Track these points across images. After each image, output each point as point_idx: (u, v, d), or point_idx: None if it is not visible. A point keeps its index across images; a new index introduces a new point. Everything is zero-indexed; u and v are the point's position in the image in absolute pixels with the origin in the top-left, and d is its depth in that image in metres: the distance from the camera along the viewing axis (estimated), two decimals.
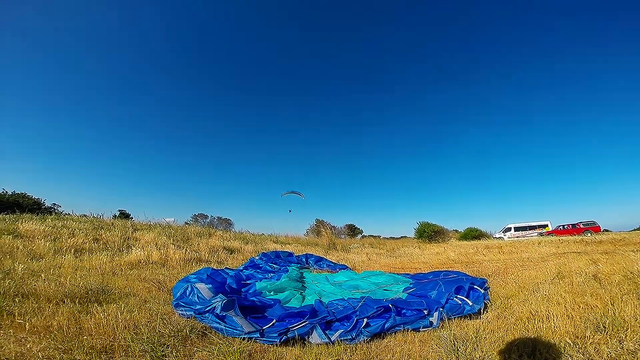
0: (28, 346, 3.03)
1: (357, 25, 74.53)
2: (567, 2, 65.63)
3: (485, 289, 6.42)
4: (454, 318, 5.02)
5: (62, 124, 69.19)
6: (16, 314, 3.70)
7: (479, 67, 75.40)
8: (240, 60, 77.24)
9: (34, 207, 23.25)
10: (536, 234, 33.91)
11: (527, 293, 6.04)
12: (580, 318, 4.31)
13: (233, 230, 27.98)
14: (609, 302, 4.65)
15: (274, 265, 9.92)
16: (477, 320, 4.93)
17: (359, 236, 43.34)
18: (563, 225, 32.98)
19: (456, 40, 75.25)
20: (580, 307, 4.74)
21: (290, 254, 12.67)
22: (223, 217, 44.60)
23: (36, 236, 10.48)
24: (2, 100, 61.14)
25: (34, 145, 66.60)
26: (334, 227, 37.94)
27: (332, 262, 12.32)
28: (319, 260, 12.31)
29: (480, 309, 5.33)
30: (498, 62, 73.86)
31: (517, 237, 33.73)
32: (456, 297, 5.57)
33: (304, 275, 9.38)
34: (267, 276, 8.22)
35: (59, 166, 68.28)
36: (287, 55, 78.40)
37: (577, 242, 18.10)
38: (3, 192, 24.97)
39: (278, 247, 17.00)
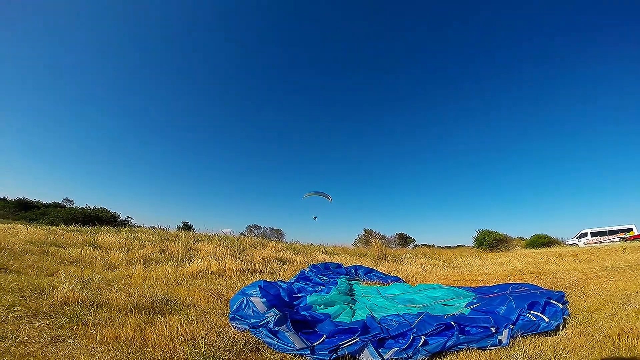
0: (97, 357, 3.26)
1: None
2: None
3: (564, 303, 5.74)
4: (528, 336, 4.52)
5: (132, 143, 77.36)
6: (90, 324, 4.05)
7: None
8: (292, 69, 79.80)
9: (111, 220, 26.16)
10: (618, 239, 29.74)
11: (615, 307, 5.33)
12: None
13: (284, 240, 28.69)
14: None
15: (324, 278, 9.84)
16: (555, 337, 4.41)
17: (411, 245, 41.69)
18: None
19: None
20: None
21: (339, 266, 12.50)
22: (275, 228, 45.90)
23: (112, 247, 11.67)
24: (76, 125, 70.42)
25: (113, 165, 75.40)
26: (383, 236, 36.94)
27: (383, 274, 11.86)
28: (369, 271, 11.95)
29: (559, 325, 4.76)
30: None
31: (594, 243, 30.00)
32: (529, 314, 5.02)
33: (353, 287, 9.15)
34: (317, 289, 8.16)
35: (133, 182, 76.17)
36: (333, 62, 79.25)
37: None
38: (86, 206, 28.50)
39: (327, 258, 16.95)
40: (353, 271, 11.99)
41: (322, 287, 8.47)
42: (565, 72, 66.06)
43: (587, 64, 62.59)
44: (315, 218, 22.88)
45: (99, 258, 9.68)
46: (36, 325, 3.83)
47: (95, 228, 16.33)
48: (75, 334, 3.78)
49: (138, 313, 4.70)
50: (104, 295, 5.48)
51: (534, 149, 71.00)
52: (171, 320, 4.54)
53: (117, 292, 5.76)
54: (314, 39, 75.99)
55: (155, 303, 5.42)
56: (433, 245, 42.86)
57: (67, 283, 5.35)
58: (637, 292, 6.02)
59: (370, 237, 30.93)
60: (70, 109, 70.14)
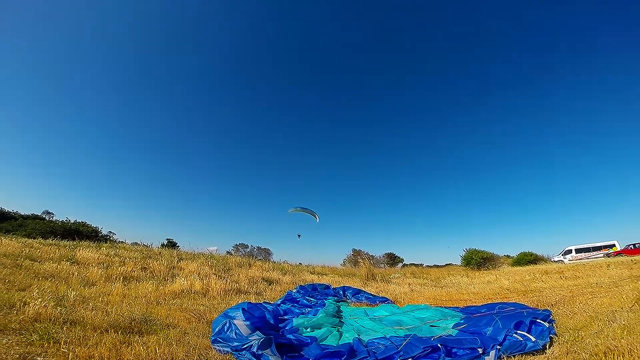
0: None
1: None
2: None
3: (550, 321, 5.77)
4: (515, 356, 4.51)
5: (115, 155, 76.12)
6: (62, 342, 3.81)
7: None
8: (283, 87, 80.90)
9: (92, 235, 25.22)
10: (602, 255, 30.41)
11: (601, 324, 5.35)
12: None
13: (272, 260, 28.20)
14: None
15: (311, 299, 9.63)
16: (542, 356, 4.41)
17: (400, 265, 41.53)
18: (634, 244, 29.26)
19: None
20: None
21: (327, 287, 12.28)
22: (262, 247, 45.13)
23: (90, 263, 11.21)
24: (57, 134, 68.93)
25: (98, 178, 73.73)
26: (372, 256, 36.81)
27: (372, 295, 11.70)
28: (357, 292, 11.77)
29: (545, 344, 4.77)
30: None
31: (579, 259, 30.63)
32: (516, 333, 5.00)
33: (341, 309, 8.97)
34: (304, 311, 7.96)
35: (118, 196, 74.45)
36: (327, 78, 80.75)
37: None
38: (66, 220, 27.51)
39: (315, 278, 16.66)
40: (341, 292, 11.77)
41: (309, 308, 8.27)
42: (558, 91, 68.92)
43: (583, 75, 65.50)
44: (299, 236, 22.06)
45: (75, 274, 9.25)
46: (4, 342, 3.61)
47: (74, 243, 15.70)
48: (46, 352, 3.55)
49: (114, 332, 4.46)
50: (78, 312, 5.20)
51: (520, 168, 73.18)
52: (149, 341, 4.31)
53: (92, 310, 5.48)
54: (308, 55, 77.77)
55: (133, 322, 5.17)
56: (421, 265, 42.95)
57: (40, 299, 5.08)
58: (622, 308, 6.07)
59: (359, 257, 30.73)
60: (56, 118, 69.03)
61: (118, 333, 4.47)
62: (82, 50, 67.93)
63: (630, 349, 3.89)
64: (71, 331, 4.27)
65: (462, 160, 78.92)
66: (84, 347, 3.77)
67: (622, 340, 4.22)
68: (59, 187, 68.74)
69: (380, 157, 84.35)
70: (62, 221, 27.42)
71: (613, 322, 5.20)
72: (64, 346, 3.70)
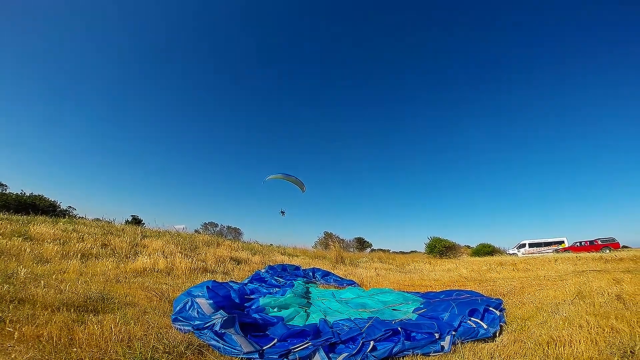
0: (13, 356, 2.89)
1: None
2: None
3: (501, 310, 6.11)
4: (467, 342, 4.76)
5: (83, 129, 71.41)
6: (7, 321, 3.57)
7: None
8: (259, 66, 78.55)
9: (49, 209, 23.64)
10: (551, 250, 32.73)
11: (545, 314, 5.73)
12: (605, 343, 4.05)
13: (242, 239, 27.93)
14: (637, 325, 4.38)
15: (280, 279, 9.68)
16: (492, 344, 4.66)
17: (368, 250, 42.62)
18: (580, 242, 31.71)
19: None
20: (604, 330, 4.46)
21: (297, 268, 12.40)
22: (233, 227, 44.53)
23: (46, 239, 10.54)
24: (27, 106, 63.71)
25: (55, 149, 68.91)
26: (342, 240, 37.47)
27: (340, 277, 11.98)
28: (326, 274, 11.99)
29: (496, 332, 5.06)
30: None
31: (531, 253, 32.66)
32: (470, 320, 5.29)
33: (310, 290, 9.11)
34: (271, 291, 8.00)
35: (80, 171, 70.21)
36: (298, 60, 79.26)
37: (595, 259, 17.10)
38: (21, 193, 25.59)
39: (285, 259, 16.75)
40: (311, 274, 11.93)
41: (277, 289, 8.32)
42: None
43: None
44: (283, 213, 17.70)
45: (28, 250, 8.66)
46: None
47: (29, 217, 14.67)
48: None
49: (67, 311, 4.24)
50: (29, 290, 4.88)
51: (485, 162, 76.63)
52: (105, 320, 4.14)
53: (45, 287, 5.17)
54: (281, 37, 75.70)
55: (88, 301, 4.94)
56: (388, 250, 44.31)
57: None
58: (564, 301, 6.52)
59: (330, 240, 31.24)
60: (13, 83, 63.17)
61: (71, 312, 4.26)
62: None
63: (570, 339, 4.20)
64: (19, 310, 4.01)
65: (435, 151, 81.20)
66: (32, 326, 3.55)
67: (564, 331, 4.55)
68: (13, 157, 63.41)
69: (360, 142, 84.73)
70: (16, 194, 25.46)
71: (556, 314, 5.57)
72: (9, 325, 3.47)
